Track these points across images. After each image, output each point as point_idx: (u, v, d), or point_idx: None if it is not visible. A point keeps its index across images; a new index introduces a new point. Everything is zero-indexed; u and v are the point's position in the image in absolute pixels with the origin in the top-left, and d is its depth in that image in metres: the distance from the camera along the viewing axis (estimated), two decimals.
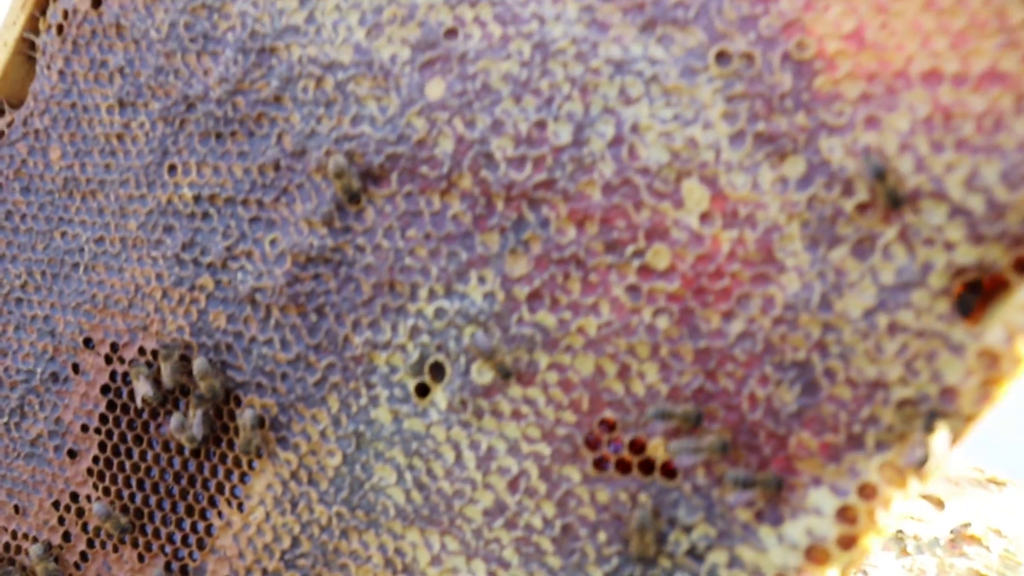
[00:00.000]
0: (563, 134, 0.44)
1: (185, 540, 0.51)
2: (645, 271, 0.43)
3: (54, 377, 0.55)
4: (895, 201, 0.40)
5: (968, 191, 0.39)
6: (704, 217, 0.42)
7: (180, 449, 0.51)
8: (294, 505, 0.48)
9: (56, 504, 0.54)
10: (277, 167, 0.49)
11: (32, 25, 0.57)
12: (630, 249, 0.43)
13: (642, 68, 0.43)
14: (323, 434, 0.48)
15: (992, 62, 0.39)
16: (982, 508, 0.77)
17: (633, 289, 0.43)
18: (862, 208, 0.40)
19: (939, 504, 0.69)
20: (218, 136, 0.51)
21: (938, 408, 0.39)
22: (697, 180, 0.42)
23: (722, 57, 0.43)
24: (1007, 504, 0.77)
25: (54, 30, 0.56)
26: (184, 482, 0.51)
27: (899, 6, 0.41)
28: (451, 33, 0.47)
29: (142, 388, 0.51)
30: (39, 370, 0.55)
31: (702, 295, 0.42)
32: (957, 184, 0.39)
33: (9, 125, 0.57)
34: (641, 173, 0.43)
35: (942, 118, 0.40)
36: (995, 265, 0.39)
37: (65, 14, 0.56)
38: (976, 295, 0.40)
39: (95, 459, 0.53)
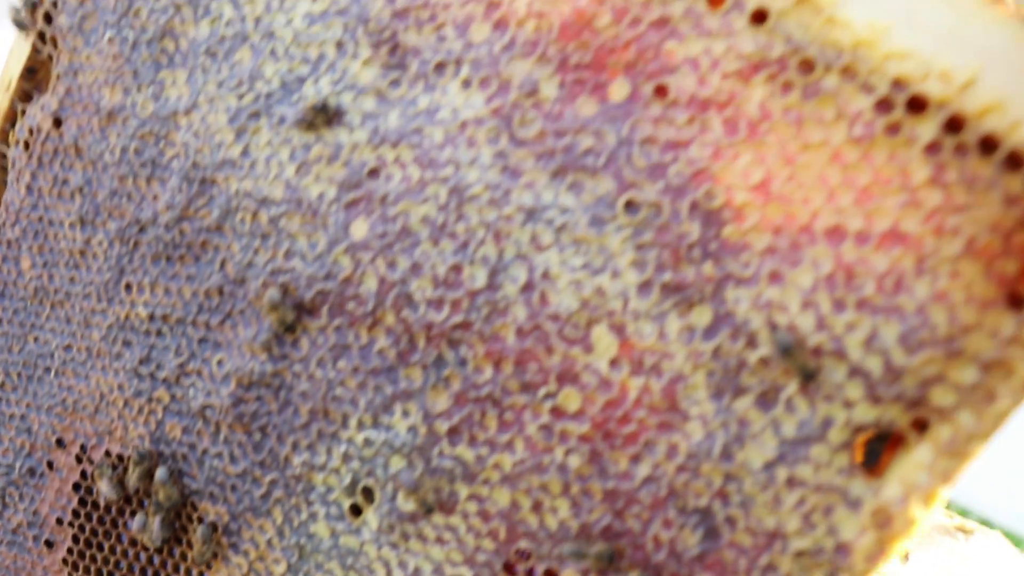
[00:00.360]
0: (479, 278, 0.39)
1: None
2: (557, 412, 0.38)
3: (31, 472, 0.50)
4: (807, 375, 0.34)
5: (867, 352, 0.33)
6: (613, 363, 0.37)
7: (145, 546, 0.47)
8: None
9: None
10: (221, 292, 0.44)
11: (4, 137, 0.52)
12: (542, 391, 0.38)
13: (552, 216, 0.38)
14: (269, 543, 0.44)
15: (894, 221, 0.33)
16: (949, 558, 0.65)
17: (546, 428, 0.38)
18: (765, 361, 0.35)
19: (904, 557, 0.58)
20: (168, 259, 0.46)
21: (833, 563, 0.34)
22: (606, 328, 0.37)
23: (630, 206, 0.37)
24: (974, 553, 0.66)
25: (22, 145, 0.51)
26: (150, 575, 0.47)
27: (806, 158, 0.35)
28: (373, 173, 0.41)
29: (105, 489, 0.46)
30: (18, 465, 0.50)
31: (611, 438, 0.37)
32: (856, 345, 0.33)
33: None
34: (552, 319, 0.38)
35: (844, 276, 0.34)
36: (894, 424, 0.33)
37: (31, 131, 0.50)
38: (883, 444, 0.34)
39: (69, 550, 0.49)
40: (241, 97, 0.43)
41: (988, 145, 0.32)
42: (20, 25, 0.50)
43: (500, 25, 0.39)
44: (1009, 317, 0.31)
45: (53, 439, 0.49)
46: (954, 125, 0.32)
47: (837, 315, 0.33)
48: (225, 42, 0.44)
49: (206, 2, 0.45)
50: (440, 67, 0.40)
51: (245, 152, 0.43)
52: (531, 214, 0.38)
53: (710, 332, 0.35)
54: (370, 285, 0.41)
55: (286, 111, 0.42)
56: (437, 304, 0.39)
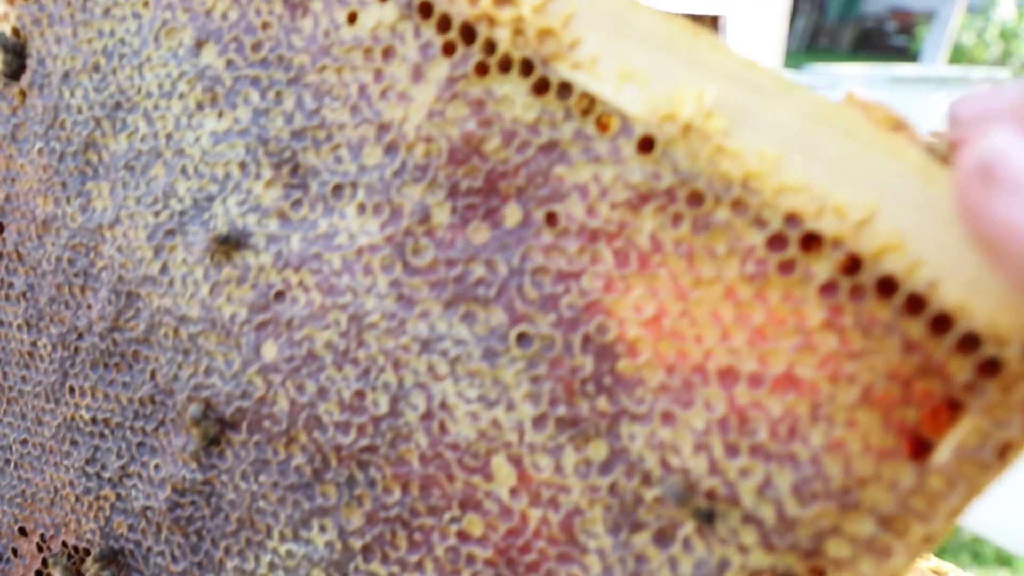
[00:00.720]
0: (381, 404, 0.33)
1: None
2: (462, 536, 0.32)
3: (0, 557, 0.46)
4: (702, 517, 0.28)
5: (760, 500, 0.27)
6: (513, 493, 0.31)
7: None
8: None
9: None
10: (153, 401, 0.39)
11: None
12: (447, 515, 0.32)
13: (447, 347, 0.31)
14: None
15: (788, 365, 0.27)
16: None
17: (453, 551, 0.32)
18: (660, 500, 0.29)
19: None
20: (105, 365, 0.40)
21: None
22: (504, 458, 0.31)
23: (523, 339, 0.30)
24: None
25: None
26: None
27: (699, 294, 0.28)
28: (280, 297, 0.35)
29: None
30: None
31: (513, 565, 0.31)
32: (749, 492, 0.27)
33: None
34: (451, 448, 0.32)
35: (737, 420, 0.28)
36: (791, 571, 0.27)
37: None
38: None
39: None
40: (157, 214, 0.37)
41: (886, 287, 0.25)
42: None
43: (391, 149, 0.32)
44: (909, 468, 0.25)
45: (16, 527, 0.44)
46: (850, 265, 0.26)
47: (730, 460, 0.27)
48: (141, 157, 0.38)
49: (123, 116, 0.39)
50: (337, 189, 0.33)
51: (164, 270, 0.37)
52: (426, 344, 0.32)
53: (606, 468, 0.29)
54: (283, 405, 0.35)
55: (198, 231, 0.36)
56: (344, 427, 0.33)
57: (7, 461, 0.44)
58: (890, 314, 0.25)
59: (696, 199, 0.27)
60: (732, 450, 0.27)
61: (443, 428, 0.32)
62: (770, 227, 0.26)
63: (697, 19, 1.09)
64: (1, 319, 0.44)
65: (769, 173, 0.26)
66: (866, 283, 0.25)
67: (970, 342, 0.24)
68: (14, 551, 0.45)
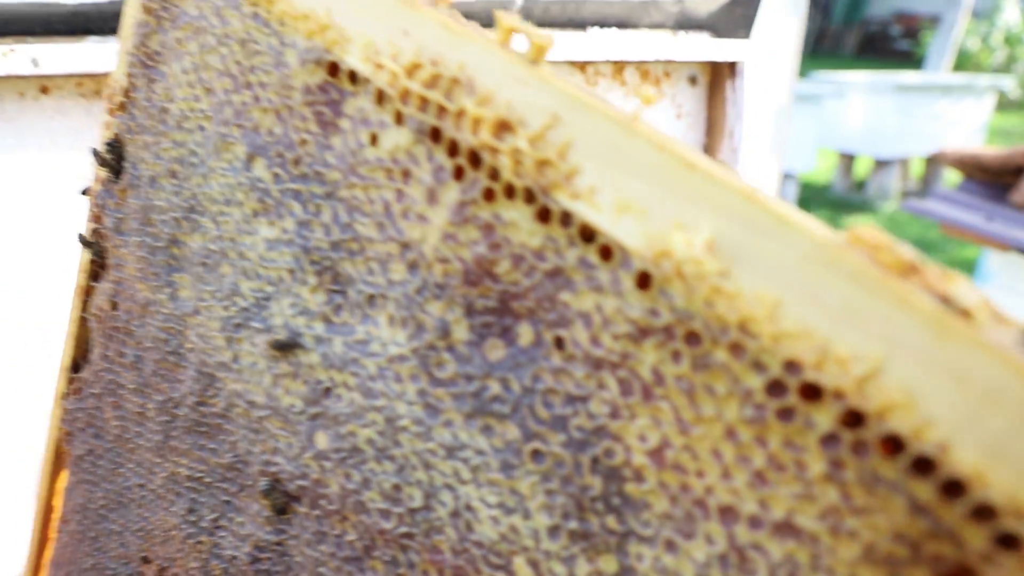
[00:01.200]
0: (416, 498, 0.35)
1: None
2: None
3: None
4: None
5: None
6: None
7: None
8: None
9: None
10: (234, 468, 0.44)
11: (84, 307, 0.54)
12: None
13: (468, 456, 0.33)
14: None
15: (788, 512, 0.26)
16: None
17: None
18: None
19: None
20: (196, 432, 0.46)
21: None
22: (524, 560, 0.33)
23: (536, 455, 0.32)
24: None
25: (93, 318, 0.53)
26: None
27: (700, 431, 0.28)
28: (327, 393, 0.38)
29: None
30: (121, 570, 0.54)
31: None
32: None
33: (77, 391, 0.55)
34: (476, 545, 0.34)
35: (737, 559, 0.27)
36: None
37: (99, 308, 0.52)
38: None
39: None
40: (227, 309, 0.42)
41: (892, 446, 0.24)
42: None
43: (413, 267, 0.34)
44: None
45: (139, 556, 0.52)
46: (852, 419, 0.25)
47: None
48: (212, 256, 0.42)
49: (196, 218, 0.43)
50: (371, 299, 0.36)
51: (235, 359, 0.42)
52: (451, 451, 0.34)
53: None
54: (335, 488, 0.38)
55: (259, 328, 0.40)
56: (386, 514, 0.37)
57: (131, 500, 0.52)
58: (896, 473, 0.24)
59: (694, 338, 0.27)
60: None
61: (469, 526, 0.34)
62: (768, 373, 0.26)
63: (715, 66, 1.01)
64: (120, 383, 0.51)
65: (767, 318, 0.25)
66: (869, 439, 0.24)
67: (987, 512, 0.22)
68: (141, 574, 0.53)
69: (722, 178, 0.26)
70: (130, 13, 0.45)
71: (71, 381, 0.55)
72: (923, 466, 0.23)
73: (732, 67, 0.96)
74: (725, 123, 0.98)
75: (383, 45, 0.33)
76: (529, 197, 0.30)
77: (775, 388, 0.26)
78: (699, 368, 0.27)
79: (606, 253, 0.29)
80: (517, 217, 0.31)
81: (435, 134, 0.32)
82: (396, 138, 0.34)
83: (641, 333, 0.28)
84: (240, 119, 0.39)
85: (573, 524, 0.31)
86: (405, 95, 0.33)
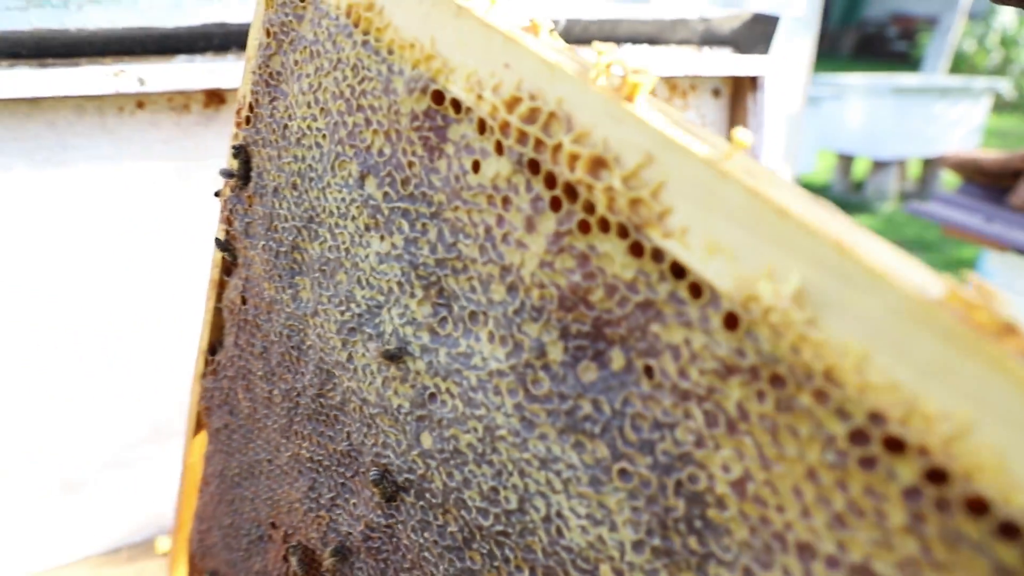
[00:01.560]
0: (512, 501, 0.39)
1: None
2: None
3: (260, 538, 0.62)
4: None
5: None
6: None
7: None
8: None
9: None
10: (349, 455, 0.50)
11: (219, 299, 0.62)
12: None
13: (560, 468, 0.37)
14: None
15: (866, 557, 0.28)
16: None
17: None
18: None
19: None
20: (316, 420, 0.52)
21: None
22: (609, 568, 0.36)
23: (623, 474, 0.35)
24: None
25: (226, 309, 0.60)
26: None
27: (782, 468, 0.30)
28: (432, 398, 0.42)
29: (296, 566, 0.57)
30: (253, 532, 0.63)
31: None
32: None
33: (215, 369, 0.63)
34: (566, 550, 0.37)
35: None
36: None
37: (243, 300, 0.60)
38: None
39: None
40: (343, 313, 0.47)
41: (977, 507, 0.25)
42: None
43: (512, 289, 0.37)
44: None
45: (268, 521, 0.61)
46: (937, 476, 0.26)
47: None
48: (329, 263, 0.48)
49: (315, 227, 0.49)
50: (473, 315, 0.40)
51: (349, 359, 0.47)
52: (544, 463, 0.37)
53: None
54: (438, 484, 0.43)
55: (371, 334, 0.45)
56: (484, 512, 0.41)
57: (261, 472, 0.61)
58: (981, 535, 0.25)
59: (778, 381, 0.29)
60: None
61: (560, 532, 0.38)
62: (852, 421, 0.27)
63: (737, 80, 1.09)
64: (250, 369, 0.59)
65: (853, 369, 0.27)
66: (954, 498, 0.25)
67: None
68: (269, 537, 0.61)
69: (814, 226, 0.27)
70: (254, 35, 0.51)
71: (208, 363, 0.64)
72: (1011, 531, 0.24)
73: (753, 81, 1.07)
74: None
75: (485, 76, 0.36)
76: (623, 232, 0.33)
77: (858, 437, 0.27)
78: (783, 410, 0.29)
79: (696, 290, 0.31)
80: (611, 250, 0.33)
81: (533, 166, 0.35)
82: (497, 167, 0.37)
83: (727, 371, 0.30)
84: (353, 139, 0.44)
85: (656, 541, 0.34)
86: (505, 127, 0.35)
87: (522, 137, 0.35)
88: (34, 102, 0.73)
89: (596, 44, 0.34)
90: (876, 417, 0.26)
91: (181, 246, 0.88)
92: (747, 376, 0.30)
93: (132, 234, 0.84)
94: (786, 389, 0.29)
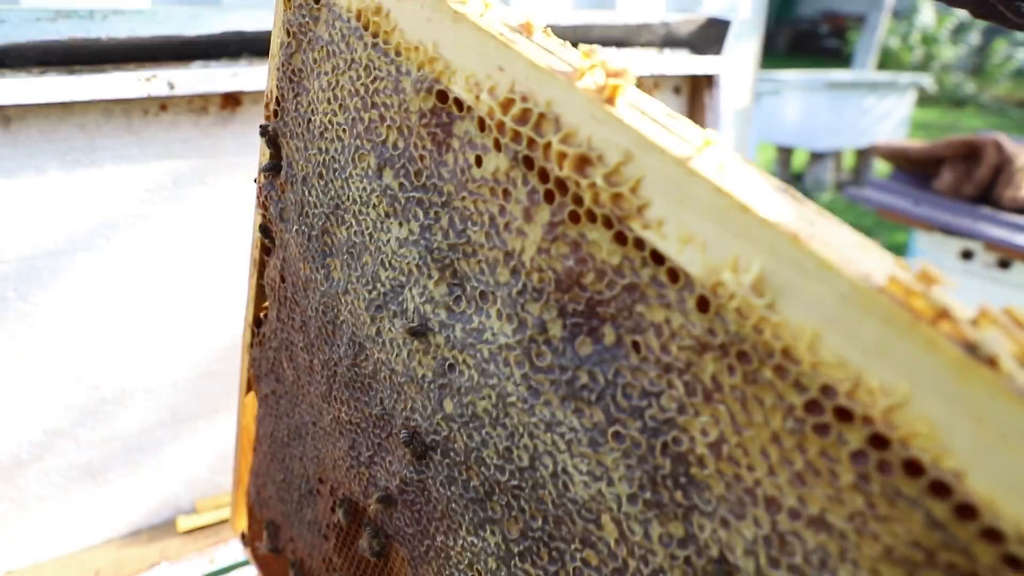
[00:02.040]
0: (524, 459, 0.44)
1: None
2: (584, 562, 0.43)
3: (310, 492, 0.70)
4: None
5: None
6: (616, 543, 0.41)
7: (368, 555, 0.64)
8: None
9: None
10: (383, 418, 0.56)
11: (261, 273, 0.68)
12: (573, 546, 0.43)
13: (563, 431, 0.41)
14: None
15: (821, 510, 0.32)
16: None
17: (578, 570, 0.44)
18: None
19: None
20: (352, 387, 0.58)
21: None
22: (609, 518, 0.41)
23: (617, 436, 0.39)
24: None
25: (268, 286, 0.66)
26: (372, 573, 0.65)
27: (751, 433, 0.33)
28: (451, 368, 0.47)
29: (342, 517, 0.64)
30: (303, 486, 0.70)
31: None
32: None
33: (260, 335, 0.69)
34: (572, 502, 0.42)
35: (779, 541, 0.33)
36: None
37: (271, 280, 0.65)
38: None
39: (333, 545, 0.68)
40: (370, 292, 0.52)
41: (913, 469, 0.28)
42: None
43: (515, 272, 0.41)
44: None
45: (316, 477, 0.68)
46: (879, 442, 0.29)
47: (772, 570, 0.34)
48: (356, 247, 0.53)
49: (341, 213, 0.53)
50: (483, 295, 0.44)
51: (378, 333, 0.52)
52: (549, 426, 0.42)
53: (682, 544, 0.38)
54: (460, 444, 0.49)
55: (395, 311, 0.50)
56: (501, 469, 0.46)
57: (307, 434, 0.67)
58: (916, 492, 0.28)
59: (745, 357, 0.32)
60: (774, 563, 0.34)
61: (566, 486, 0.43)
62: (808, 393, 0.31)
63: (695, 79, 1.23)
64: (292, 341, 0.65)
65: (806, 348, 0.30)
66: (893, 461, 0.29)
67: (996, 535, 0.27)
68: (317, 491, 0.69)
69: (772, 220, 0.30)
70: (276, 34, 0.54)
71: (254, 334, 0.70)
72: (940, 489, 0.28)
73: (709, 79, 1.22)
74: (704, 126, 1.28)
75: (482, 78, 0.39)
76: (608, 223, 0.36)
77: (813, 406, 0.31)
78: (750, 382, 0.32)
79: (674, 275, 0.35)
80: (599, 238, 0.37)
81: (528, 162, 0.39)
82: (496, 162, 0.40)
83: (702, 347, 0.34)
84: (370, 134, 0.48)
85: (648, 494, 0.38)
86: (501, 126, 0.39)
87: (516, 136, 0.38)
88: (66, 106, 0.79)
89: (582, 47, 0.36)
90: (827, 390, 0.30)
91: (199, 240, 0.94)
92: (718, 352, 0.33)
93: (154, 228, 0.90)
94: (751, 364, 0.32)
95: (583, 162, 0.36)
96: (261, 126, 0.59)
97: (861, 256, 0.30)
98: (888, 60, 8.54)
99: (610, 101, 0.35)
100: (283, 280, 0.63)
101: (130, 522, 1.05)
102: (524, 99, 0.38)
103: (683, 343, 0.35)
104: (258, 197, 0.63)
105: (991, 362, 0.26)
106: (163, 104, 0.85)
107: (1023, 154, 2.13)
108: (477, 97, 0.40)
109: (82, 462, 0.99)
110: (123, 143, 0.84)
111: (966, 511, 0.27)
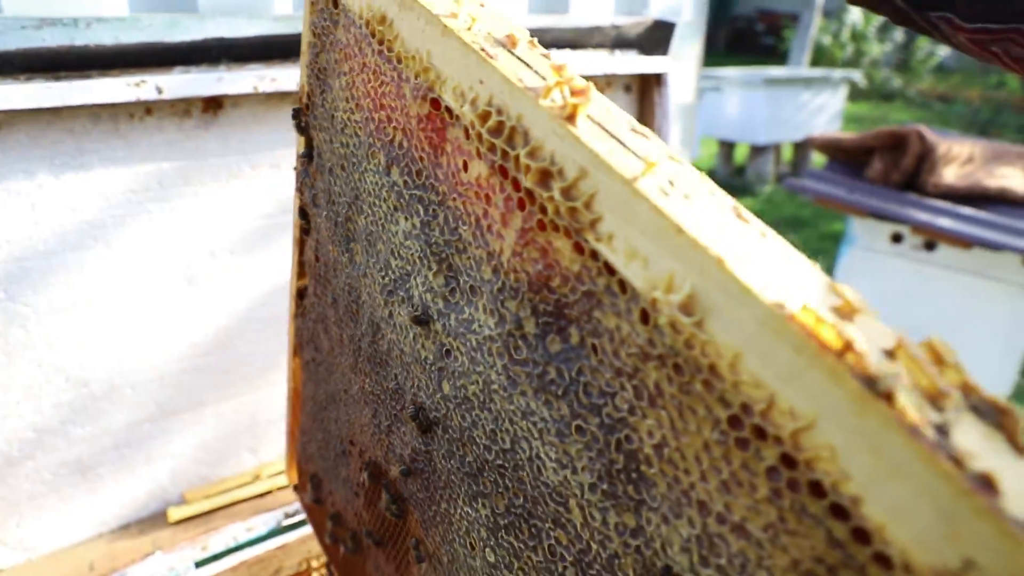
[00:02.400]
0: (506, 441, 0.48)
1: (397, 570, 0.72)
2: (556, 540, 0.47)
3: (342, 452, 0.76)
4: None
5: None
6: (581, 526, 0.44)
7: (389, 515, 0.70)
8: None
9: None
10: (397, 392, 0.60)
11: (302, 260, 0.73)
12: (547, 525, 0.47)
13: (536, 420, 0.44)
14: (437, 546, 0.62)
15: (742, 518, 0.33)
16: None
17: (552, 548, 0.48)
18: (665, 572, 0.39)
19: None
20: (373, 362, 0.63)
21: None
22: (575, 503, 0.44)
23: (579, 429, 0.42)
24: None
25: (306, 267, 0.72)
26: (394, 530, 0.71)
27: (687, 439, 0.35)
28: (447, 354, 0.51)
29: (365, 479, 0.70)
30: (338, 447, 0.77)
31: (585, 573, 0.45)
32: None
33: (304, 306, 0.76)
34: (544, 485, 0.46)
35: (708, 542, 0.35)
36: None
37: (306, 260, 0.71)
38: None
39: (363, 502, 0.75)
40: (383, 278, 0.56)
41: (817, 490, 0.30)
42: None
43: (496, 271, 0.44)
44: None
45: (347, 439, 0.74)
46: (788, 461, 0.31)
47: (703, 568, 0.36)
48: (372, 235, 0.57)
49: (360, 203, 0.57)
50: (472, 289, 0.47)
51: (390, 315, 0.57)
52: (525, 414, 0.45)
53: (634, 534, 0.40)
54: (456, 423, 0.53)
55: (403, 297, 0.54)
56: (488, 449, 0.50)
57: (340, 400, 0.74)
58: (819, 511, 0.30)
59: (679, 369, 0.34)
60: (704, 561, 0.36)
61: (539, 470, 0.46)
62: (731, 409, 0.32)
63: (644, 78, 1.30)
64: (326, 315, 0.71)
65: (728, 367, 0.32)
66: (800, 480, 0.30)
67: (886, 560, 0.28)
68: (348, 452, 0.75)
69: (703, 243, 0.32)
70: (305, 35, 0.58)
71: (298, 306, 0.77)
72: (840, 511, 0.29)
73: (658, 77, 1.31)
74: (654, 121, 1.34)
75: (466, 90, 0.42)
76: (567, 233, 0.38)
77: (735, 422, 0.32)
78: (684, 392, 0.34)
79: (623, 287, 0.37)
80: (561, 246, 0.39)
81: (503, 171, 0.41)
82: (479, 168, 0.43)
83: (644, 356, 0.36)
84: (380, 133, 0.52)
85: (605, 486, 0.41)
86: (480, 136, 0.41)
87: (492, 147, 0.41)
88: (54, 111, 0.82)
89: (553, 61, 0.38)
90: (746, 408, 0.32)
91: (185, 238, 0.97)
92: (658, 362, 0.35)
93: (141, 228, 0.93)
94: (684, 376, 0.34)
95: (546, 175, 0.38)
96: (294, 113, 0.64)
97: (789, 281, 0.31)
98: (821, 57, 9.19)
99: (570, 119, 0.37)
100: (317, 260, 0.69)
101: (120, 516, 1.07)
102: (499, 112, 0.40)
103: (630, 350, 0.37)
104: (296, 182, 0.68)
105: (888, 397, 0.27)
106: (148, 108, 0.88)
107: (944, 144, 2.31)
108: (462, 107, 0.43)
109: (72, 459, 1.01)
110: (110, 146, 0.87)
111: (862, 535, 0.29)
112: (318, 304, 0.71)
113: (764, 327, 0.30)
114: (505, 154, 0.40)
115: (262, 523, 1.04)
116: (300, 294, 0.76)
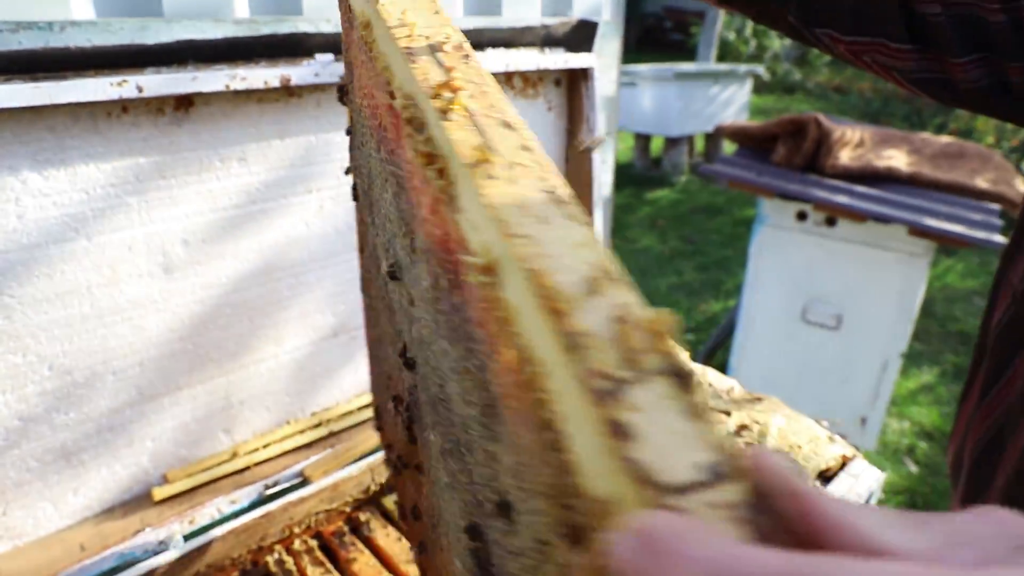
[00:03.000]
0: (440, 378, 0.58)
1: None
2: (476, 465, 0.56)
3: (388, 387, 0.90)
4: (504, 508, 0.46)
5: None
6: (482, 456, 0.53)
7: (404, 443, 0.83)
8: None
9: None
10: (398, 334, 0.73)
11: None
12: (468, 455, 0.57)
13: (451, 361, 0.54)
14: (431, 465, 0.74)
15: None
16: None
17: (480, 469, 0.57)
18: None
19: None
20: (388, 309, 0.76)
21: None
22: (475, 431, 0.53)
23: (466, 370, 0.51)
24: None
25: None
26: (411, 455, 0.83)
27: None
28: (412, 302, 0.62)
29: (392, 408, 0.83)
30: (385, 381, 0.91)
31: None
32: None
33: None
34: (460, 416, 0.55)
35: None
36: None
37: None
38: None
39: (397, 433, 0.89)
40: (384, 239, 0.68)
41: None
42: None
43: (425, 236, 0.54)
44: None
45: (388, 375, 0.88)
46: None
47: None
48: (376, 202, 0.69)
49: (372, 176, 0.70)
50: (421, 252, 0.57)
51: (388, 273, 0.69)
52: (444, 354, 0.55)
53: (493, 462, 0.49)
54: (420, 361, 0.64)
55: (392, 255, 0.66)
56: (434, 384, 0.61)
57: (383, 342, 0.88)
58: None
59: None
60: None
61: (456, 404, 0.56)
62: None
63: (572, 72, 1.42)
64: (370, 269, 0.85)
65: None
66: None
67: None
68: (388, 386, 0.89)
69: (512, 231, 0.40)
70: (343, 29, 0.71)
71: (361, 259, 0.92)
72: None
73: (584, 72, 1.42)
74: (583, 112, 1.44)
75: (400, 84, 0.52)
76: (451, 208, 0.47)
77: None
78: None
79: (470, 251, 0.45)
80: (449, 218, 0.48)
81: (420, 154, 0.51)
82: (408, 150, 0.53)
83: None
84: (373, 119, 0.63)
85: (484, 419, 0.50)
86: (407, 123, 0.51)
87: (410, 133, 0.51)
88: (36, 111, 0.86)
89: (449, 59, 0.47)
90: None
91: (160, 228, 1.02)
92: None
93: (120, 219, 0.99)
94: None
95: (431, 158, 0.47)
96: (339, 88, 0.77)
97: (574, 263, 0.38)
98: (726, 52, 9.76)
99: (445, 112, 0.45)
100: (362, 221, 0.83)
101: (104, 500, 1.09)
102: (416, 105, 0.50)
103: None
104: (350, 150, 0.82)
105: (581, 350, 0.34)
106: (125, 107, 0.94)
107: (838, 129, 2.64)
108: (398, 99, 0.53)
109: (57, 445, 1.02)
110: (90, 143, 0.91)
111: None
112: (368, 258, 0.86)
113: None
114: (416, 139, 0.50)
115: (244, 495, 1.10)
116: (361, 249, 0.92)
